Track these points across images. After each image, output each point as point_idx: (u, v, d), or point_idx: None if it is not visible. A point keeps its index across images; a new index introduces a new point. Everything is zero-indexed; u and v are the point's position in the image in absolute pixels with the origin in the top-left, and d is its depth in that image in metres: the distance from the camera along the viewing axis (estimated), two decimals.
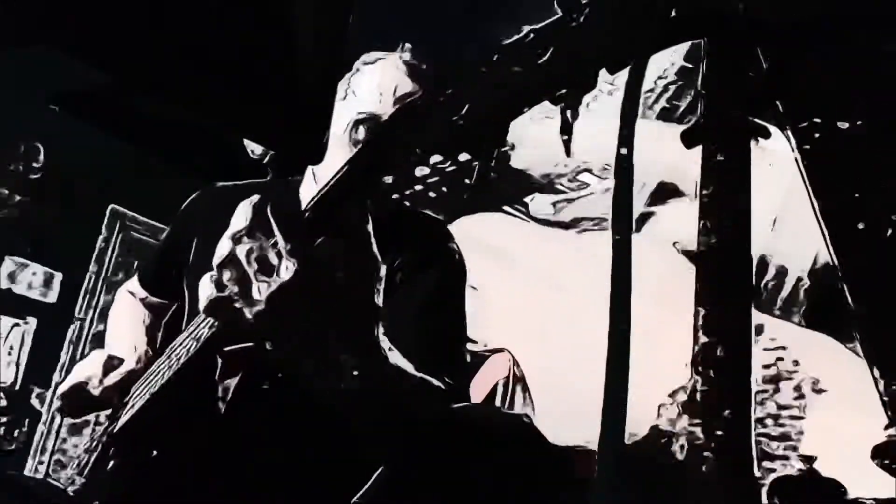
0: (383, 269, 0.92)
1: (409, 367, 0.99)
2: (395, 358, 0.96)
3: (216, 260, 0.83)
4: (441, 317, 1.24)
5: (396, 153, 0.75)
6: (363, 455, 1.07)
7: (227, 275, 0.82)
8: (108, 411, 1.36)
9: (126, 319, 1.55)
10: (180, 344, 1.15)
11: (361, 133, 1.24)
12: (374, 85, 1.28)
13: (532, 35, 0.67)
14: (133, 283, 1.60)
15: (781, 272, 1.85)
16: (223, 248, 0.84)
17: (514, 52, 0.68)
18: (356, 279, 0.84)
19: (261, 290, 0.81)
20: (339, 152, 1.24)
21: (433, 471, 1.05)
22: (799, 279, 1.84)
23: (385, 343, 0.91)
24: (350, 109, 1.27)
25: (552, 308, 1.89)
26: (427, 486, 1.07)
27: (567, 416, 1.36)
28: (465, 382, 1.23)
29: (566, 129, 0.68)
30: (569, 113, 0.68)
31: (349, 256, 0.83)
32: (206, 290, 0.83)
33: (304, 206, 0.91)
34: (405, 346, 1.09)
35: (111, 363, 1.34)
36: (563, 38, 0.66)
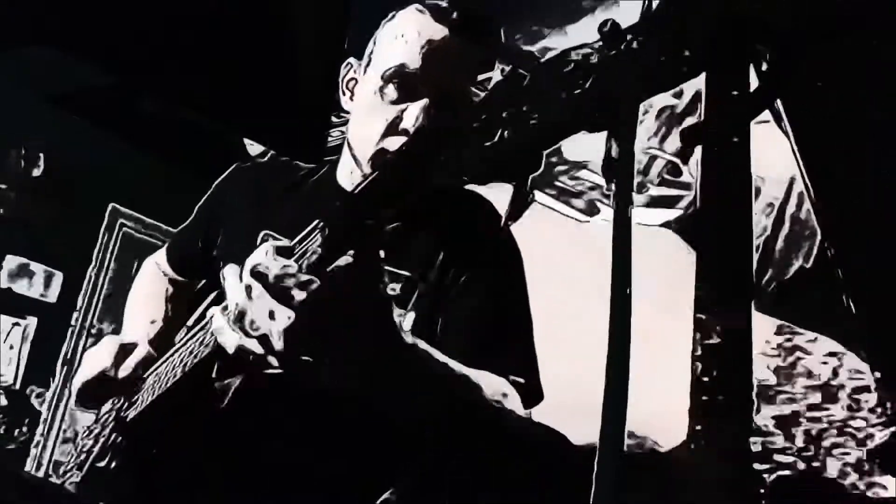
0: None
1: (450, 362, 0.99)
2: (432, 352, 0.96)
3: (234, 303, 0.85)
4: (504, 312, 1.22)
5: (422, 176, 0.75)
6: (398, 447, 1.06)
7: (246, 319, 0.84)
8: (114, 399, 1.35)
9: (146, 294, 1.53)
10: (194, 338, 1.15)
11: (392, 91, 1.19)
12: (397, 35, 1.22)
13: (572, 64, 0.65)
14: (160, 256, 1.58)
15: (781, 270, 1.85)
16: (237, 293, 0.85)
17: (550, 77, 0.66)
18: (367, 300, 0.85)
19: (277, 334, 0.82)
20: (372, 117, 1.21)
21: (463, 470, 1.05)
22: (798, 277, 1.83)
23: (409, 337, 0.92)
24: (376, 70, 1.22)
25: (555, 300, 1.88)
26: (455, 483, 1.07)
27: (569, 412, 1.35)
28: (537, 380, 1.19)
29: (609, 163, 0.65)
30: (613, 143, 0.65)
31: (357, 280, 0.84)
32: (230, 338, 0.84)
33: (347, 188, 0.89)
34: (465, 345, 1.09)
35: (124, 350, 1.33)
36: (603, 67, 0.64)
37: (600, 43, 0.65)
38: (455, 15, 1.18)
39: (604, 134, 0.67)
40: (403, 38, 1.20)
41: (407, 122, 1.15)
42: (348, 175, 1.27)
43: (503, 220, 0.73)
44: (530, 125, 0.67)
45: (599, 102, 0.64)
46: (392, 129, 1.16)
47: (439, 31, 1.18)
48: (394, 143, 1.16)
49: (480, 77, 1.20)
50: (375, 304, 0.87)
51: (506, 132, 0.67)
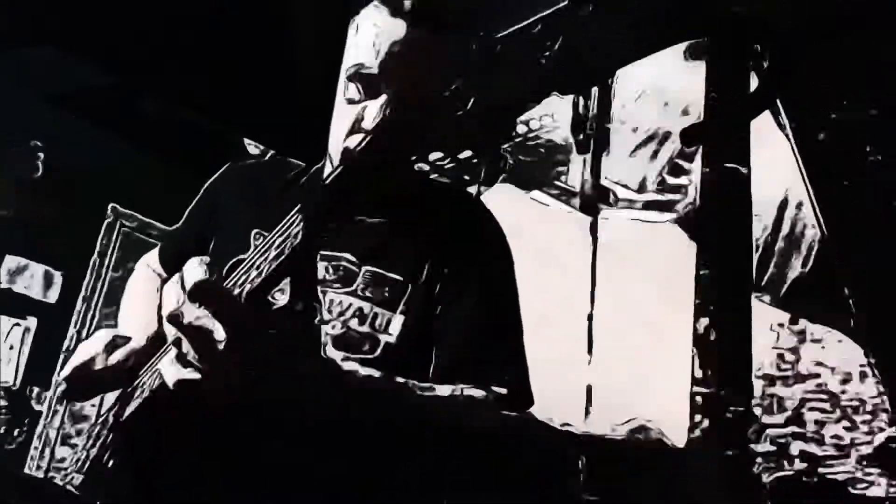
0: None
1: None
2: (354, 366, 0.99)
3: (171, 338, 0.88)
4: (494, 319, 1.22)
5: (395, 154, 0.75)
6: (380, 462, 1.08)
7: (184, 347, 0.87)
8: (112, 399, 1.35)
9: (140, 295, 1.53)
10: None
11: (353, 91, 1.19)
12: (356, 32, 1.22)
13: (539, 26, 0.64)
14: (152, 258, 1.58)
15: (782, 269, 1.85)
16: (168, 327, 0.88)
17: (520, 43, 0.66)
18: (294, 329, 0.88)
19: (207, 359, 0.85)
20: (339, 117, 1.21)
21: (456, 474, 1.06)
22: (798, 276, 1.84)
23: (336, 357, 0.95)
24: (342, 69, 1.23)
25: (554, 291, 1.88)
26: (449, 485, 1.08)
27: (563, 402, 1.36)
28: (527, 386, 1.20)
29: (579, 125, 0.66)
30: (581, 106, 0.66)
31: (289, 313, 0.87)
32: (170, 372, 0.87)
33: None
34: (455, 352, 1.10)
35: (116, 342, 1.33)
36: (572, 29, 0.63)
37: (568, 6, 0.65)
38: (410, 6, 1.16)
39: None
40: (361, 36, 1.19)
41: (366, 121, 1.15)
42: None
43: (478, 186, 0.74)
44: (501, 92, 0.67)
45: (568, 65, 0.64)
46: (354, 127, 1.17)
47: (397, 26, 1.16)
48: (356, 141, 1.17)
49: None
50: (303, 328, 0.89)
51: (477, 100, 0.67)
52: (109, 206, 2.95)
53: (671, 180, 2.09)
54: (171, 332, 0.89)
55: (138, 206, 2.98)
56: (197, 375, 0.86)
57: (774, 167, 1.84)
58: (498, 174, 0.70)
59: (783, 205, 1.89)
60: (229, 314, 0.84)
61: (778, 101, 1.76)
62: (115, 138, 2.73)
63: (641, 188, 2.09)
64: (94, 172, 2.81)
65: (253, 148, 2.83)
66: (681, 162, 2.07)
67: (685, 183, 2.06)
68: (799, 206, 1.86)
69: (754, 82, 1.61)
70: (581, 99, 0.62)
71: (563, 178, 2.26)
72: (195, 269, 0.86)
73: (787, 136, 1.81)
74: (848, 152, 1.71)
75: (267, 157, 2.34)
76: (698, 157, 1.89)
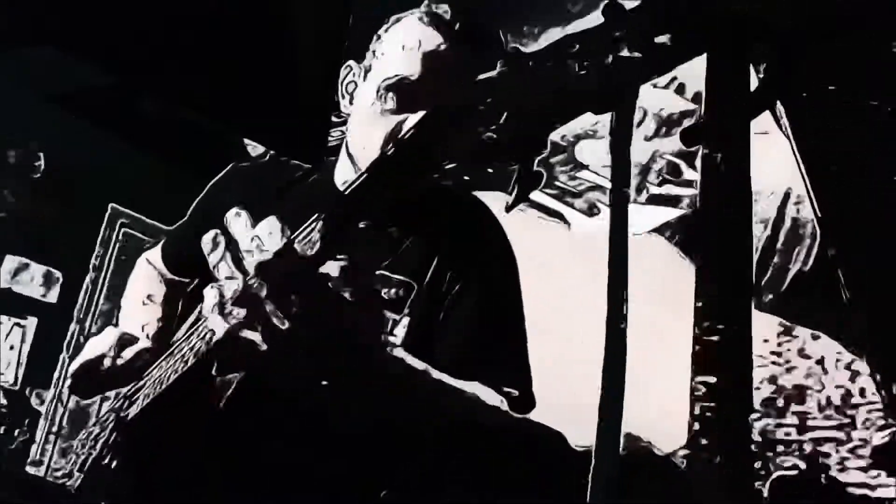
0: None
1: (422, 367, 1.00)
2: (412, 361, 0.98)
3: (229, 293, 0.85)
4: (498, 321, 1.22)
5: (425, 162, 0.75)
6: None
7: (242, 311, 0.84)
8: (114, 399, 1.35)
9: (142, 293, 1.53)
10: (195, 334, 1.15)
11: (391, 101, 1.19)
12: (398, 45, 1.21)
13: (577, 46, 0.65)
14: (153, 254, 1.57)
15: (781, 270, 1.85)
16: (233, 284, 0.86)
17: (554, 60, 0.66)
18: (360, 315, 0.86)
19: (273, 324, 0.83)
20: (372, 127, 1.21)
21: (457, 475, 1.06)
22: (798, 277, 1.84)
23: (397, 350, 0.94)
24: (376, 78, 1.22)
25: (549, 300, 1.88)
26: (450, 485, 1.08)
27: (564, 414, 1.35)
28: (529, 389, 1.20)
29: (619, 142, 0.66)
30: (619, 123, 0.66)
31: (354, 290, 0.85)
32: (218, 325, 0.84)
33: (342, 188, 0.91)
34: (459, 354, 1.10)
35: (125, 340, 1.33)
36: (606, 48, 0.63)
37: (603, 25, 0.65)
38: (458, 26, 1.17)
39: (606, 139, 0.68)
40: (404, 49, 1.19)
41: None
42: (345, 177, 1.28)
43: (511, 200, 0.73)
44: (535, 108, 0.67)
45: (604, 83, 0.65)
46: (392, 139, 1.16)
47: (441, 42, 1.17)
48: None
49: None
50: (368, 318, 0.87)
51: (510, 115, 0.67)
52: (109, 206, 2.95)
53: (670, 180, 2.09)
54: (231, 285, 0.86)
55: (138, 206, 2.98)
56: (254, 335, 0.83)
57: (774, 167, 1.84)
58: (531, 188, 0.69)
59: (783, 204, 1.89)
60: (307, 286, 0.82)
61: (778, 101, 1.76)
62: (115, 138, 2.73)
63: (640, 189, 2.09)
64: (94, 172, 2.81)
65: (256, 148, 2.83)
66: (680, 162, 2.08)
67: (685, 184, 2.06)
68: (799, 205, 1.86)
69: (754, 82, 1.61)
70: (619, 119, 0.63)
71: (562, 178, 2.26)
72: (273, 228, 0.85)
73: (787, 136, 1.81)
74: (848, 152, 1.71)
75: (267, 158, 2.33)
76: (698, 158, 1.89)
